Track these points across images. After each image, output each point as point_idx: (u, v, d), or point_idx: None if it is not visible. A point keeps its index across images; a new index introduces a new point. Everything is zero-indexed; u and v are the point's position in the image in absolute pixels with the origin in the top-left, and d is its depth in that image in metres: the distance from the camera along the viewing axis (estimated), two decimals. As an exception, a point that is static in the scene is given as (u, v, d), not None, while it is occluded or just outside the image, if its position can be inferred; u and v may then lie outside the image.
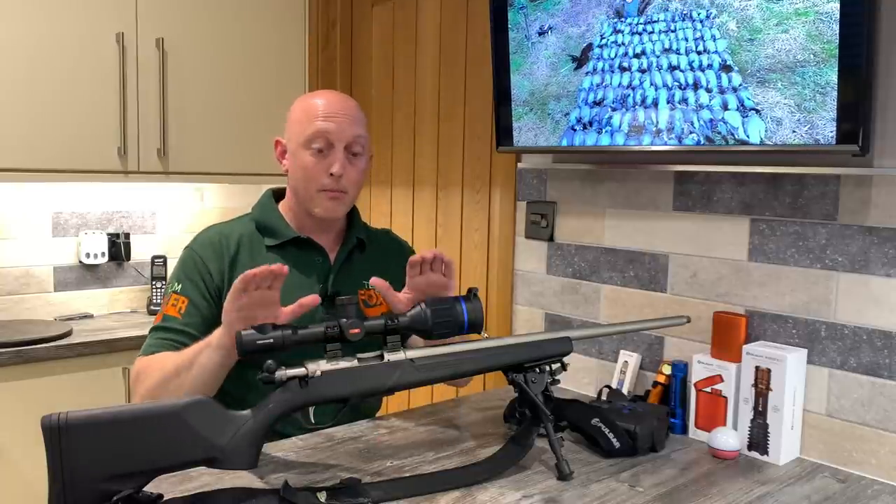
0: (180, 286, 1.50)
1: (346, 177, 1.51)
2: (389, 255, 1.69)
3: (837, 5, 1.39)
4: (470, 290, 1.33)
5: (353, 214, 1.65)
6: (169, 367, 1.37)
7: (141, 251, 2.79)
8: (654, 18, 1.68)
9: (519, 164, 2.18)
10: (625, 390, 1.84)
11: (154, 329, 1.49)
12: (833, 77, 1.42)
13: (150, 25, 2.44)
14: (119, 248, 2.72)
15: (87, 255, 2.65)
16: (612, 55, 1.77)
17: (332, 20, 2.98)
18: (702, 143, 1.64)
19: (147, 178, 2.49)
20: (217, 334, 1.32)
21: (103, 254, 2.68)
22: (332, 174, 1.50)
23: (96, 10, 2.35)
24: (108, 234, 2.70)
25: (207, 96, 2.58)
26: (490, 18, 1.99)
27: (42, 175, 2.30)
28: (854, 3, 1.37)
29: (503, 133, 2.03)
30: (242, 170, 2.67)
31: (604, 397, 1.75)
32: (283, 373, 1.20)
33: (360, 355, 1.27)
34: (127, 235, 2.75)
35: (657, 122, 1.70)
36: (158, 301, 2.71)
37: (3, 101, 2.21)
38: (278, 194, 1.65)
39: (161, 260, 2.76)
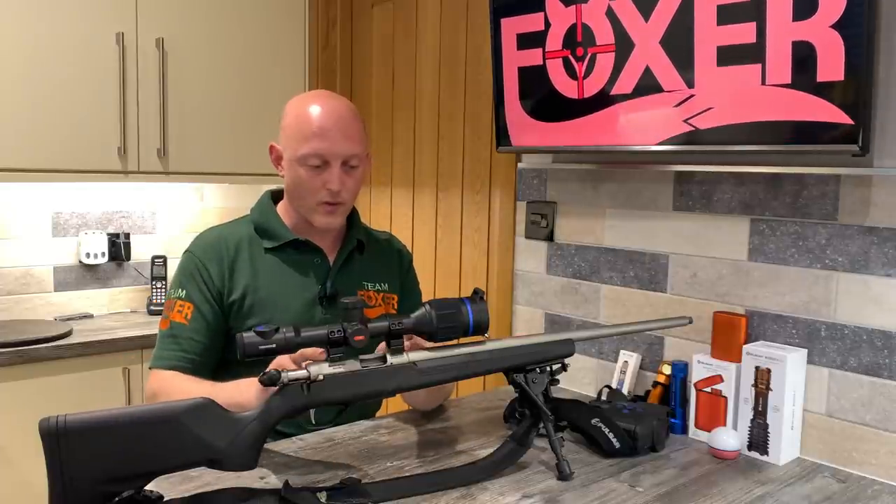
0: (184, 292, 1.50)
1: (343, 189, 1.49)
2: (387, 257, 1.69)
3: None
4: (475, 292, 1.33)
5: (352, 216, 1.65)
6: None
7: (141, 251, 2.79)
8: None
9: (519, 164, 2.19)
10: (625, 390, 1.84)
11: (163, 336, 1.50)
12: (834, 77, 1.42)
13: (150, 25, 2.44)
14: (119, 248, 2.72)
15: (87, 255, 2.65)
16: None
17: (332, 20, 2.98)
18: (702, 143, 1.64)
19: (147, 178, 2.49)
20: (248, 398, 1.29)
21: (103, 254, 2.68)
22: (329, 189, 1.48)
23: (96, 10, 2.35)
24: (108, 234, 2.70)
25: (207, 96, 2.58)
26: (490, 19, 1.99)
27: (42, 175, 2.30)
28: (854, 4, 1.37)
29: (503, 133, 2.03)
30: (242, 170, 2.67)
31: (604, 397, 1.75)
32: (286, 375, 1.20)
33: (362, 357, 1.26)
34: (127, 235, 2.75)
35: (657, 122, 1.70)
36: (159, 301, 2.71)
37: (3, 101, 2.21)
38: (277, 195, 1.64)
39: (161, 260, 2.76)
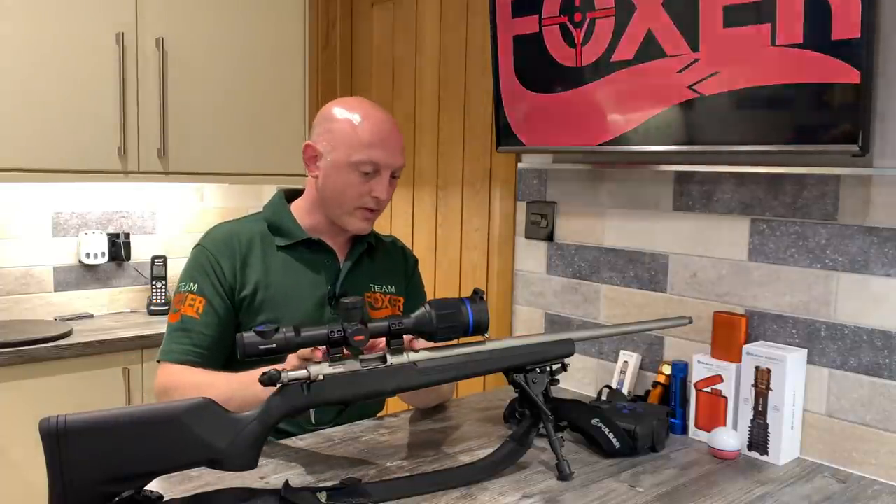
0: (196, 286, 1.50)
1: (387, 198, 1.54)
2: (393, 261, 1.71)
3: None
4: (475, 292, 1.33)
5: None
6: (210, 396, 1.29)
7: (141, 251, 2.79)
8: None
9: (519, 164, 2.18)
10: (625, 390, 1.84)
11: (173, 330, 1.50)
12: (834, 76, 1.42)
13: (150, 25, 2.44)
14: (119, 248, 2.72)
15: (87, 255, 2.65)
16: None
17: (332, 20, 2.98)
18: (702, 142, 1.63)
19: (147, 178, 2.49)
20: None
21: (103, 254, 2.68)
22: (374, 197, 1.51)
23: (96, 10, 2.35)
24: (108, 234, 2.70)
25: (207, 96, 2.58)
26: (490, 18, 1.99)
27: (42, 175, 2.30)
28: (853, 3, 1.37)
29: (503, 133, 2.03)
30: (242, 170, 2.67)
31: (604, 397, 1.75)
32: (286, 375, 1.20)
33: (363, 357, 1.27)
34: (127, 235, 2.75)
35: (657, 121, 1.69)
36: (159, 301, 2.71)
37: (3, 101, 2.21)
38: (289, 194, 1.65)
39: (161, 260, 2.75)
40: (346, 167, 1.50)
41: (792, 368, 1.52)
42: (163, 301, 2.71)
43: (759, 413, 1.54)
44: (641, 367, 1.86)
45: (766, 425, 1.52)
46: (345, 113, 1.53)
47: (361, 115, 1.52)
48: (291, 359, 1.27)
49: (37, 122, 2.27)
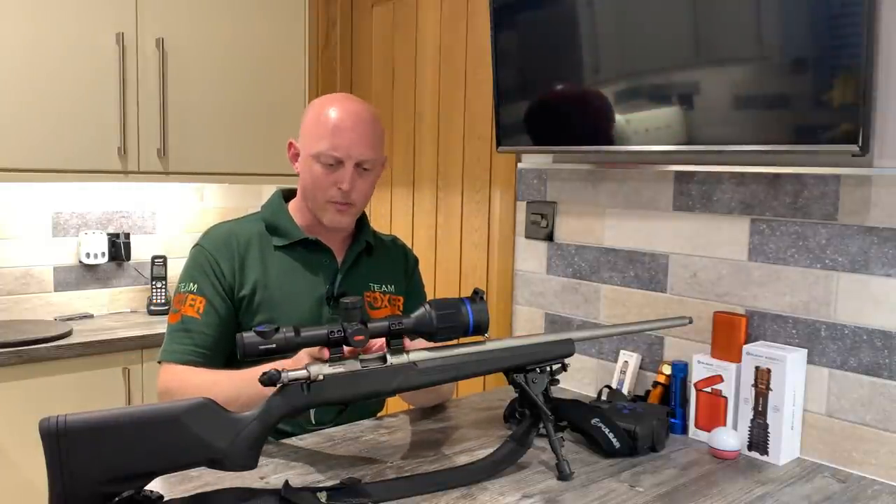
0: (196, 286, 1.50)
1: (354, 190, 1.51)
2: (393, 260, 1.70)
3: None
4: (475, 292, 1.32)
5: (361, 218, 1.65)
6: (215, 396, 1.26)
7: (141, 251, 2.79)
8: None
9: (519, 164, 2.18)
10: (625, 390, 1.84)
11: (174, 330, 1.50)
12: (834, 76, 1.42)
13: (150, 25, 2.44)
14: (119, 248, 2.72)
15: (88, 255, 2.65)
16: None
17: (332, 20, 2.98)
18: (702, 142, 1.64)
19: (147, 178, 2.49)
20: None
21: (103, 254, 2.68)
22: (339, 189, 1.50)
23: (96, 10, 2.35)
24: (108, 234, 2.70)
25: (207, 96, 2.58)
26: (490, 18, 1.99)
27: (42, 175, 2.30)
28: (853, 3, 1.37)
29: (503, 133, 2.03)
30: (242, 170, 2.67)
31: (604, 397, 1.75)
32: (286, 375, 1.20)
33: (362, 357, 1.26)
34: (127, 235, 2.75)
35: (657, 122, 1.70)
36: (159, 301, 2.71)
37: (4, 101, 2.21)
38: (287, 194, 1.65)
39: (161, 260, 2.75)
40: (311, 159, 1.51)
41: (792, 368, 1.52)
42: (163, 301, 2.71)
43: (759, 413, 1.54)
44: (641, 367, 1.86)
45: (766, 425, 1.52)
46: (314, 107, 1.54)
47: (330, 107, 1.51)
48: (302, 355, 1.27)
49: (37, 122, 2.27)
